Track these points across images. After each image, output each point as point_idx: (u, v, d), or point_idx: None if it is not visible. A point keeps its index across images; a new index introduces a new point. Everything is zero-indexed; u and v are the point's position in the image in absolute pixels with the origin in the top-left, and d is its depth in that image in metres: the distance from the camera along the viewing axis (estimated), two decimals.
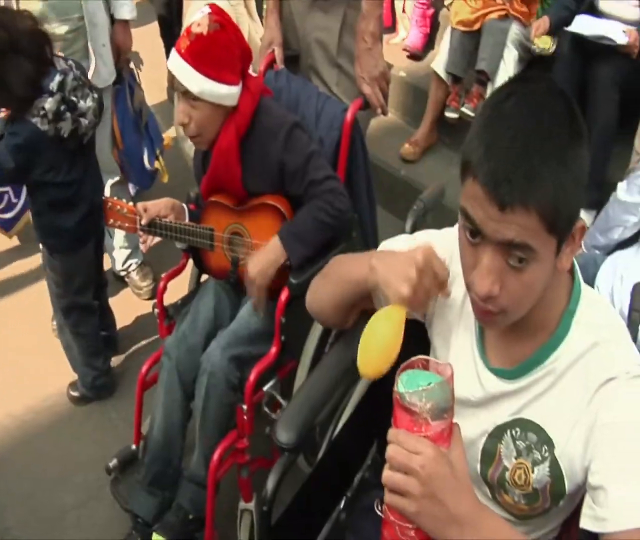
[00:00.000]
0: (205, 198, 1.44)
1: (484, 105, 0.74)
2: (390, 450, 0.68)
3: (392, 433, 0.68)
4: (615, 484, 0.72)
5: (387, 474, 0.68)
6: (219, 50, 1.28)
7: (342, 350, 1.04)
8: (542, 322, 0.81)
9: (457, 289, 0.87)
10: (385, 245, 0.98)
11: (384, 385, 1.05)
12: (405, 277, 0.81)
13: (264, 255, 1.33)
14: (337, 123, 1.51)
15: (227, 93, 1.30)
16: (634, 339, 1.03)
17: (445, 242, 0.90)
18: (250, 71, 1.53)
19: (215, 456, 1.26)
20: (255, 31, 2.26)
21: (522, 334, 0.81)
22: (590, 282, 1.60)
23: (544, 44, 2.28)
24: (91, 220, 1.65)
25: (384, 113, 1.70)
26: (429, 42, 2.75)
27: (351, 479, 1.09)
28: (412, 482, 0.66)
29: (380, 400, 1.13)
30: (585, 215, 2.10)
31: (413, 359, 0.72)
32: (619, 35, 2.09)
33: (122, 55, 2.02)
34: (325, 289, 0.98)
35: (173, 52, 1.29)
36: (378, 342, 0.80)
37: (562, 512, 0.87)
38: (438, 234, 0.95)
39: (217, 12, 1.30)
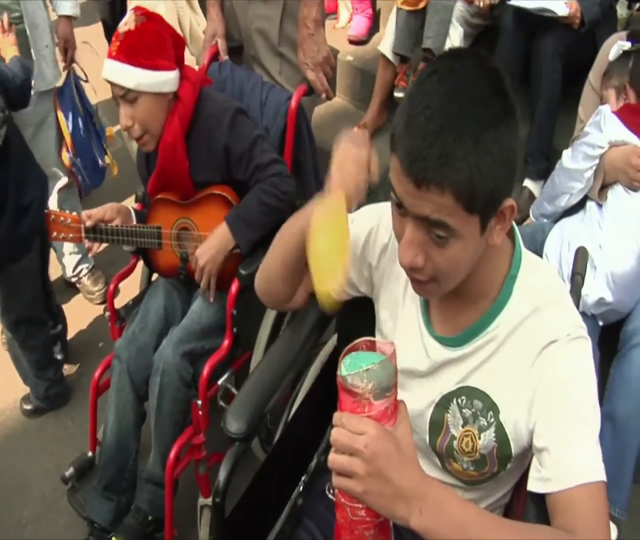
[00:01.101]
0: (151, 197, 1.44)
1: (411, 81, 0.75)
2: (334, 433, 0.69)
3: (336, 416, 0.70)
4: (558, 444, 0.75)
5: (332, 457, 0.69)
6: (150, 39, 1.29)
7: (291, 335, 1.06)
8: (483, 289, 0.83)
9: None
10: None
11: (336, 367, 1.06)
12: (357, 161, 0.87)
13: (212, 242, 1.33)
14: (282, 111, 1.52)
15: (165, 79, 1.30)
16: (577, 303, 1.08)
17: (389, 214, 0.92)
18: (195, 63, 1.53)
19: (172, 454, 1.26)
20: (198, 24, 2.24)
21: (464, 302, 0.84)
22: (539, 249, 1.65)
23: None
24: (27, 227, 1.58)
25: (329, 98, 1.71)
26: (374, 26, 2.77)
27: (307, 463, 1.11)
28: (356, 463, 0.67)
29: (334, 382, 1.15)
30: (533, 185, 2.17)
31: (356, 341, 0.73)
32: (560, 7, 2.12)
33: (68, 53, 1.98)
34: (272, 257, 1.00)
35: (105, 61, 1.28)
36: (329, 246, 0.78)
37: (512, 476, 0.90)
38: (385, 208, 0.94)
39: (140, 8, 1.32)
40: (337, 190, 0.84)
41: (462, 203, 0.70)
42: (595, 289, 1.53)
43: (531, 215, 1.84)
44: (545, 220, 1.74)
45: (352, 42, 2.71)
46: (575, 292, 1.12)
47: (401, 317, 0.90)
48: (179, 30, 2.21)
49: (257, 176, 1.35)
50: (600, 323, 1.57)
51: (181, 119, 1.33)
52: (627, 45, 1.78)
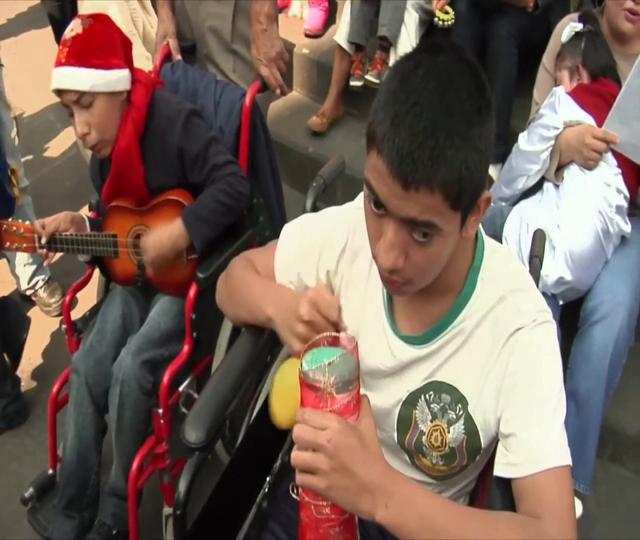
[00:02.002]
0: (106, 204, 1.41)
1: (391, 75, 0.72)
2: (296, 430, 0.68)
3: (298, 413, 0.69)
4: (525, 428, 0.76)
5: (295, 454, 0.68)
6: (100, 38, 1.27)
7: (249, 338, 1.04)
8: (448, 283, 0.83)
9: (363, 261, 0.89)
10: (287, 229, 0.98)
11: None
12: (294, 333, 0.82)
13: (163, 236, 1.32)
14: (236, 109, 1.51)
15: (118, 78, 1.29)
16: (536, 285, 1.09)
17: (348, 216, 0.91)
18: (150, 65, 1.50)
19: (134, 465, 1.25)
20: (151, 26, 2.21)
21: (429, 298, 0.84)
22: (498, 233, 1.67)
23: (445, 15, 2.32)
24: None
25: (283, 93, 1.70)
26: (330, 18, 2.76)
27: (271, 464, 1.10)
28: (320, 458, 0.67)
29: None
30: (492, 169, 2.17)
31: (318, 337, 0.73)
32: None
33: None
34: (230, 303, 0.99)
35: (54, 71, 1.25)
36: (290, 395, 0.77)
37: (479, 466, 0.92)
38: (340, 210, 0.95)
39: (85, 15, 1.30)
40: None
41: (449, 202, 0.69)
42: (555, 268, 1.56)
43: None
44: (503, 204, 1.76)
45: (308, 35, 2.70)
46: (534, 274, 1.14)
47: (364, 319, 0.90)
48: (133, 31, 2.18)
49: (213, 176, 1.35)
50: (561, 302, 1.61)
51: (134, 123, 1.31)
52: (579, 26, 1.82)
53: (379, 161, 0.69)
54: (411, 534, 0.68)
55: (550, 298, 1.58)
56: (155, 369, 1.30)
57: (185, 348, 1.32)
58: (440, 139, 0.67)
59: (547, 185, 1.69)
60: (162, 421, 1.25)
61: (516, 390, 0.78)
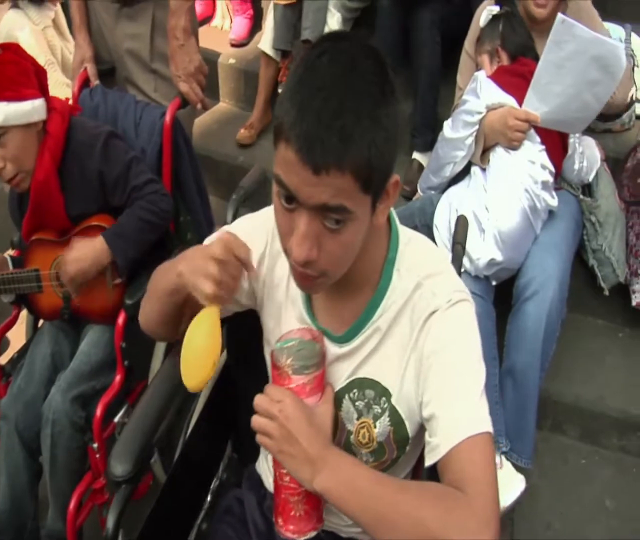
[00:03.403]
0: (26, 239, 1.39)
1: (296, 65, 0.73)
2: (257, 399, 0.78)
3: (265, 387, 0.80)
4: (442, 408, 0.77)
5: (255, 418, 0.78)
6: (11, 69, 1.25)
7: (172, 362, 1.04)
8: (365, 277, 0.84)
9: (283, 264, 0.88)
10: (207, 241, 0.95)
11: (230, 384, 1.06)
12: (206, 274, 0.80)
13: (85, 252, 1.31)
14: (157, 128, 1.51)
15: (32, 108, 1.27)
16: (458, 271, 1.11)
17: (265, 221, 0.91)
18: (70, 91, 1.48)
19: (72, 504, 1.23)
20: (70, 52, 2.20)
21: (347, 293, 0.84)
22: (429, 221, 1.71)
23: None
24: None
25: (205, 107, 1.70)
26: (255, 26, 2.76)
27: (208, 485, 1.10)
28: (272, 425, 0.76)
29: (229, 398, 1.14)
30: (422, 157, 2.23)
31: (292, 330, 0.85)
32: None
33: None
34: (149, 306, 0.97)
35: None
36: (195, 351, 0.81)
37: (411, 457, 0.93)
38: (257, 216, 0.96)
39: None
40: (212, 301, 0.81)
41: (360, 183, 0.70)
42: (485, 250, 1.60)
43: (419, 189, 1.90)
44: (433, 192, 1.81)
45: (234, 45, 2.70)
46: (457, 261, 1.16)
47: (286, 322, 0.90)
48: (51, 60, 2.15)
49: (134, 196, 1.35)
50: (494, 283, 1.65)
51: (52, 153, 1.29)
52: (496, 9, 1.87)
53: (288, 151, 0.69)
54: (343, 501, 0.74)
55: (483, 280, 1.63)
56: (88, 403, 1.29)
57: (117, 378, 1.31)
58: (348, 120, 0.68)
59: (474, 170, 1.73)
60: (97, 456, 1.24)
61: (432, 371, 0.79)
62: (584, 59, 1.53)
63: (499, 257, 1.59)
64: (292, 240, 0.73)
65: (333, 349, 0.86)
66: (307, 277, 0.77)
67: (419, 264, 0.84)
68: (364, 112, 0.69)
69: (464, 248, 1.20)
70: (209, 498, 1.09)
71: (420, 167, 2.17)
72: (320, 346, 0.83)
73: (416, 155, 2.25)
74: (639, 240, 1.90)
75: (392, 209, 0.86)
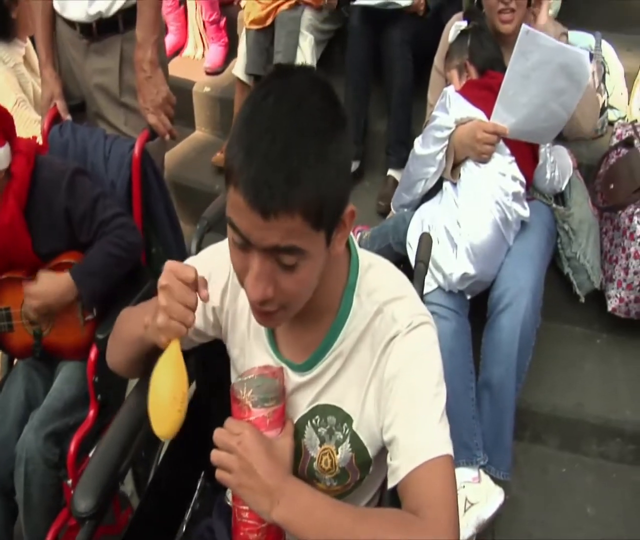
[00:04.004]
0: None
1: (244, 106, 0.73)
2: (216, 433, 0.79)
3: (226, 421, 0.81)
4: (402, 429, 0.78)
5: (214, 452, 0.78)
6: None
7: (136, 395, 1.05)
8: (325, 304, 0.84)
9: (243, 297, 0.89)
10: None
11: (201, 412, 1.07)
12: (155, 309, 0.81)
13: (50, 287, 1.32)
14: (126, 161, 1.53)
15: None
16: (420, 290, 1.13)
17: (226, 251, 0.88)
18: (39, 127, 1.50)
19: None
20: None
21: (308, 321, 0.85)
22: (402, 239, 1.74)
23: None
24: None
25: (173, 137, 1.73)
26: (230, 53, 2.79)
27: (182, 515, 1.11)
28: (232, 458, 0.77)
29: (200, 429, 1.15)
30: (397, 173, 2.25)
31: (253, 368, 0.86)
32: None
33: None
34: (117, 349, 0.99)
35: None
36: (160, 400, 0.80)
37: (376, 478, 0.94)
38: (219, 246, 0.96)
39: None
40: (166, 335, 0.81)
41: (311, 222, 0.70)
42: (458, 265, 1.62)
43: (392, 207, 1.92)
44: (406, 210, 1.83)
45: (209, 73, 2.74)
46: (419, 279, 1.18)
47: (250, 351, 0.92)
48: (22, 97, 2.17)
49: (102, 231, 1.36)
50: (468, 297, 1.68)
51: (16, 196, 1.31)
52: (464, 24, 1.91)
53: (237, 195, 0.69)
54: (302, 530, 0.74)
55: (458, 295, 1.65)
56: (61, 440, 1.29)
57: (91, 413, 1.32)
58: (294, 161, 0.68)
59: (446, 185, 1.76)
60: (72, 492, 1.24)
61: (392, 395, 0.80)
62: (549, 68, 1.57)
63: (471, 270, 1.61)
64: (247, 280, 0.74)
65: (295, 378, 0.88)
66: (265, 312, 0.78)
67: (380, 289, 0.85)
68: (311, 151, 0.69)
69: (426, 266, 1.23)
70: (183, 528, 1.09)
71: (395, 183, 2.20)
72: (280, 382, 0.85)
73: (391, 172, 2.28)
74: (613, 246, 1.93)
75: (351, 235, 0.87)
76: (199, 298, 0.82)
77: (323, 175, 0.70)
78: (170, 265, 0.82)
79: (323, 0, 2.50)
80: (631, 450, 1.70)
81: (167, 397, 0.80)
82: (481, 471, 1.50)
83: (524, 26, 1.56)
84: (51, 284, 1.32)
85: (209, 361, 1.09)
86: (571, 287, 1.86)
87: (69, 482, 1.26)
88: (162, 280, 0.81)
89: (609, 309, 1.86)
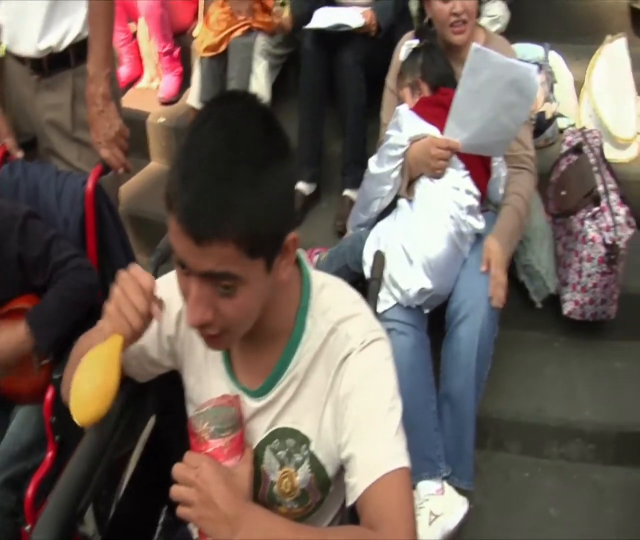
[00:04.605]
0: None
1: (185, 133, 0.76)
2: (175, 468, 0.79)
3: (184, 455, 0.81)
4: (359, 448, 0.81)
5: (173, 488, 0.79)
6: None
7: (95, 429, 1.06)
8: (278, 328, 0.87)
9: None
10: None
11: (161, 446, 1.09)
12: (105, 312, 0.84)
13: (4, 345, 1.31)
14: (79, 197, 1.53)
15: None
16: (374, 307, 1.17)
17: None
18: None
19: None
20: None
21: (263, 346, 0.88)
22: (359, 259, 1.79)
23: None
24: None
25: (127, 171, 1.75)
26: (185, 82, 2.83)
27: None
28: (191, 492, 0.77)
29: (159, 463, 1.17)
30: (353, 193, 2.29)
31: (212, 398, 0.88)
32: (355, 19, 2.30)
33: None
34: (70, 376, 0.96)
35: None
36: (86, 385, 0.82)
37: (337, 498, 0.97)
38: (174, 276, 0.96)
39: None
40: (114, 333, 0.84)
41: (244, 250, 0.72)
42: (415, 280, 1.68)
43: (349, 227, 1.98)
44: (362, 229, 1.88)
45: (164, 103, 2.77)
46: (372, 297, 1.22)
47: (206, 378, 0.94)
48: None
49: (56, 274, 1.36)
50: (426, 311, 1.73)
51: None
52: (415, 42, 1.97)
53: (173, 220, 0.72)
54: None
55: (416, 310, 1.70)
56: (19, 485, 1.28)
57: (49, 454, 1.31)
58: (227, 191, 0.70)
59: (401, 202, 1.81)
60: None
61: (347, 413, 0.83)
62: (499, 84, 1.64)
63: (428, 285, 1.67)
64: (187, 304, 0.77)
65: (252, 404, 0.90)
66: (208, 336, 0.81)
67: (333, 309, 0.87)
68: (244, 181, 0.71)
69: (380, 284, 1.27)
70: None
71: (352, 203, 2.23)
72: (237, 410, 0.88)
73: (347, 192, 2.34)
74: (566, 251, 2.02)
75: (303, 257, 0.91)
76: (154, 320, 0.87)
77: (257, 204, 0.72)
78: (132, 267, 0.86)
79: (275, 25, 2.57)
80: (591, 449, 1.77)
81: (92, 385, 0.82)
82: (444, 483, 1.54)
83: (474, 44, 1.64)
84: (6, 341, 1.31)
85: (166, 396, 1.10)
86: (527, 294, 1.94)
87: (27, 528, 1.25)
88: (121, 276, 0.85)
89: (565, 312, 1.94)
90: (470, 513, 1.51)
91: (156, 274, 1.32)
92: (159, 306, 0.86)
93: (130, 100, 2.79)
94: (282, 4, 2.45)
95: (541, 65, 2.44)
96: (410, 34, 2.01)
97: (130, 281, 0.84)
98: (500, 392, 1.80)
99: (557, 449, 1.77)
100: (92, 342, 0.89)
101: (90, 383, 0.83)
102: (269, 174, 0.74)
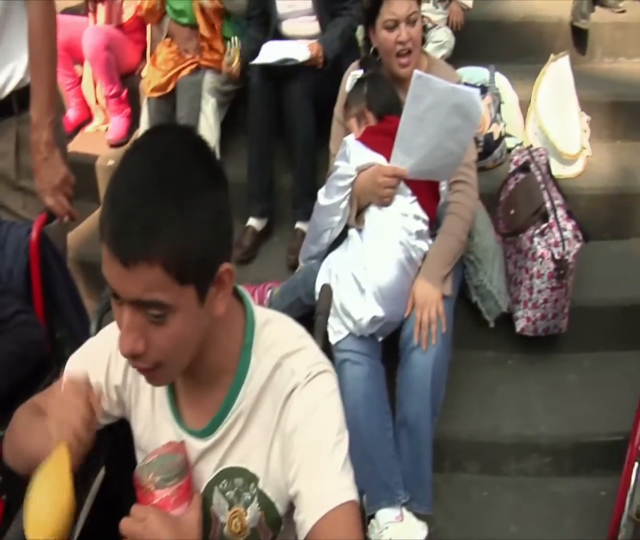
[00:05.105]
0: None
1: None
2: (122, 523, 0.80)
3: (131, 509, 0.81)
4: (306, 484, 0.83)
5: None
6: None
7: None
8: (222, 365, 0.89)
9: None
10: (71, 360, 1.03)
11: (112, 499, 1.10)
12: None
13: None
14: (23, 247, 1.54)
15: None
16: (321, 342, 1.21)
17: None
18: None
19: None
20: None
21: (207, 385, 0.90)
22: (312, 291, 1.83)
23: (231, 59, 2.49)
24: None
25: (73, 219, 1.76)
26: (134, 124, 2.86)
27: None
28: None
29: (110, 513, 1.18)
30: (305, 226, 2.33)
31: (159, 447, 0.89)
32: (301, 52, 2.37)
33: None
34: (16, 454, 0.99)
35: None
36: (37, 508, 0.82)
37: (289, 536, 0.96)
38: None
39: None
40: (58, 446, 0.84)
41: (173, 275, 0.74)
42: (367, 309, 1.72)
43: (300, 260, 2.03)
44: (314, 261, 1.93)
45: (113, 145, 2.79)
46: (319, 332, 1.24)
47: (154, 425, 0.96)
48: None
49: (2, 331, 1.37)
50: (380, 339, 1.78)
51: None
52: (360, 73, 2.04)
53: (103, 246, 0.75)
54: None
55: (369, 339, 1.75)
56: None
57: None
58: (152, 212, 0.73)
59: (351, 232, 1.86)
60: None
61: (294, 448, 0.85)
62: (443, 109, 1.69)
63: (380, 313, 1.71)
64: (119, 334, 0.79)
65: (198, 445, 0.91)
66: (142, 369, 0.83)
67: (277, 344, 0.89)
68: (170, 203, 0.73)
69: (326, 317, 1.32)
70: None
71: (304, 236, 2.26)
72: (182, 457, 0.88)
73: (299, 225, 2.39)
74: (517, 269, 2.11)
75: (246, 293, 0.94)
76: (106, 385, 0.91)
77: (183, 228, 0.74)
78: (67, 376, 0.89)
79: (225, 73, 2.61)
80: (548, 462, 1.84)
81: (47, 506, 0.81)
82: (404, 509, 1.58)
83: (416, 71, 1.70)
84: None
85: (115, 446, 1.11)
86: (480, 313, 2.01)
87: None
88: (62, 387, 0.87)
89: (518, 329, 2.02)
90: (431, 537, 1.54)
91: (101, 321, 1.35)
92: (95, 402, 0.88)
93: (78, 144, 2.81)
94: (230, 53, 2.49)
95: (487, 88, 2.56)
96: (355, 64, 2.08)
97: (66, 393, 0.87)
98: (457, 413, 1.86)
99: (515, 465, 1.84)
100: (38, 441, 0.89)
101: (44, 504, 0.82)
102: (197, 199, 0.76)
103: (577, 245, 2.00)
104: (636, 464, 1.50)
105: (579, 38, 2.95)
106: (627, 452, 1.54)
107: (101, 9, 2.93)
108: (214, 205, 0.78)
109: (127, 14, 2.96)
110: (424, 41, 2.02)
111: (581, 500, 1.76)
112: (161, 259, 0.73)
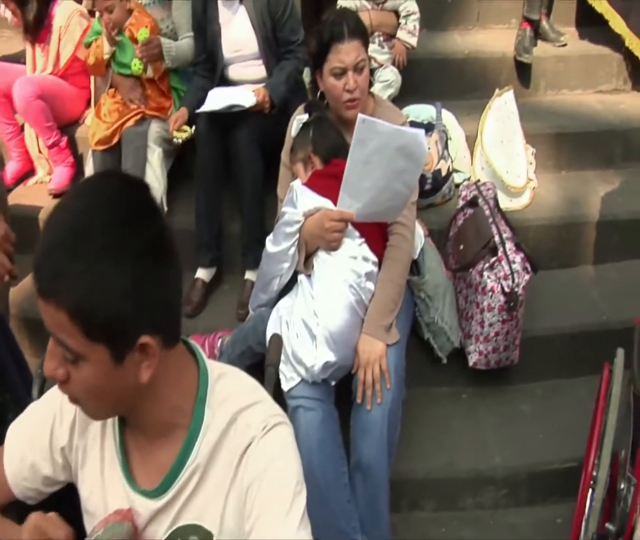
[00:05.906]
0: None
1: None
2: None
3: None
4: (263, 536, 0.85)
5: None
6: None
7: None
8: (175, 421, 0.91)
9: (95, 424, 0.97)
10: (12, 426, 1.04)
11: None
12: None
13: None
14: None
15: None
16: (273, 392, 1.23)
17: None
18: None
19: None
20: None
21: (160, 441, 0.92)
22: (262, 339, 1.85)
23: (183, 133, 2.56)
24: None
25: (14, 277, 1.78)
26: (78, 173, 2.90)
27: None
28: None
29: None
30: (254, 275, 2.35)
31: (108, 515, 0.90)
32: (247, 98, 2.43)
33: None
34: None
35: None
36: None
37: None
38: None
39: None
40: None
41: (78, 326, 0.77)
42: (319, 355, 1.76)
43: (250, 309, 2.08)
44: (264, 308, 1.98)
45: (56, 195, 2.80)
46: (269, 383, 1.29)
47: (103, 485, 0.97)
48: None
49: None
50: (332, 383, 1.82)
51: None
52: (305, 117, 2.07)
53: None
54: None
55: (322, 384, 1.79)
56: None
57: None
58: (62, 256, 0.77)
59: (300, 278, 1.90)
60: None
61: (251, 502, 0.87)
62: (388, 151, 1.74)
63: (332, 358, 1.76)
64: None
65: (150, 506, 0.93)
66: (68, 396, 0.87)
67: (231, 398, 0.92)
68: (83, 253, 0.77)
69: (276, 368, 1.37)
70: None
71: (253, 286, 2.27)
72: (130, 524, 0.90)
73: (248, 275, 2.42)
74: (468, 303, 2.20)
75: (198, 347, 0.97)
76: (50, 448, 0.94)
77: (90, 287, 0.77)
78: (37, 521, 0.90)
79: (170, 110, 2.69)
80: (504, 494, 1.92)
81: None
82: None
83: (360, 115, 1.73)
84: None
85: (64, 515, 1.12)
86: (433, 350, 2.10)
87: None
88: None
89: (470, 364, 2.11)
90: None
91: (43, 385, 1.36)
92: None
93: (21, 197, 2.82)
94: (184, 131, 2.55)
95: (434, 124, 2.66)
96: (301, 108, 2.14)
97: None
98: (412, 451, 1.93)
99: (472, 499, 1.91)
100: None
101: None
102: (112, 266, 0.78)
103: (526, 276, 2.09)
104: (590, 490, 1.58)
105: (523, 72, 3.12)
106: (581, 479, 1.62)
107: (40, 55, 2.94)
108: (135, 276, 0.80)
109: (64, 56, 2.93)
110: (371, 84, 2.09)
111: (538, 530, 1.84)
112: (65, 306, 0.78)
